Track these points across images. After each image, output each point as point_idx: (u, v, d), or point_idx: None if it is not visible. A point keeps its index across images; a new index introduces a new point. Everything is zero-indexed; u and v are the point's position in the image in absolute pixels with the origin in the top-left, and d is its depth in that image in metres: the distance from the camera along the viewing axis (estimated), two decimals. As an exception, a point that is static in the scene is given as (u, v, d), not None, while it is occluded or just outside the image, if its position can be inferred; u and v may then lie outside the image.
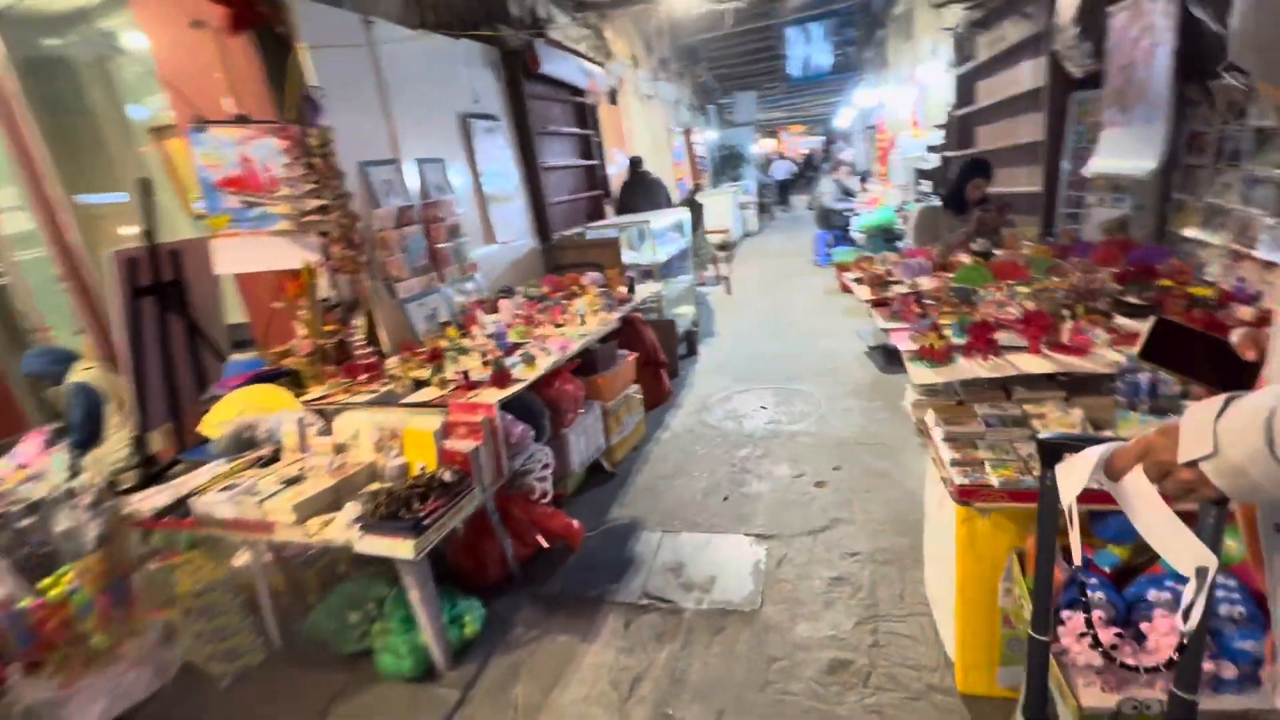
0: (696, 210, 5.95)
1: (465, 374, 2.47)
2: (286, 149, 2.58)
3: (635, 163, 5.91)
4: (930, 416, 1.81)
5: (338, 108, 2.79)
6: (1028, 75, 3.78)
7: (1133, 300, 2.12)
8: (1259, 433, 0.61)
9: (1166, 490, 0.68)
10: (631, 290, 3.71)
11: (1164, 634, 1.29)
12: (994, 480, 1.49)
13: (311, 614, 2.27)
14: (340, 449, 2.22)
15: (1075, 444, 0.81)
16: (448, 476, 1.99)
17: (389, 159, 3.19)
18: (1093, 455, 0.70)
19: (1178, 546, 0.68)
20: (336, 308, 2.86)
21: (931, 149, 6.50)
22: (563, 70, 4.90)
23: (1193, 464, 0.66)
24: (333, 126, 2.68)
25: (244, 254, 2.62)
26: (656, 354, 4.15)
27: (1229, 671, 1.23)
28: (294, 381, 2.66)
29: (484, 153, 4.00)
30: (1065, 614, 1.37)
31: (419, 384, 2.54)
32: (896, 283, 2.81)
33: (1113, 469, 0.70)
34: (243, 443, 2.29)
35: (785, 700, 1.89)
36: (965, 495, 1.49)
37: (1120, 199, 2.89)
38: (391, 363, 2.77)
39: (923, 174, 6.66)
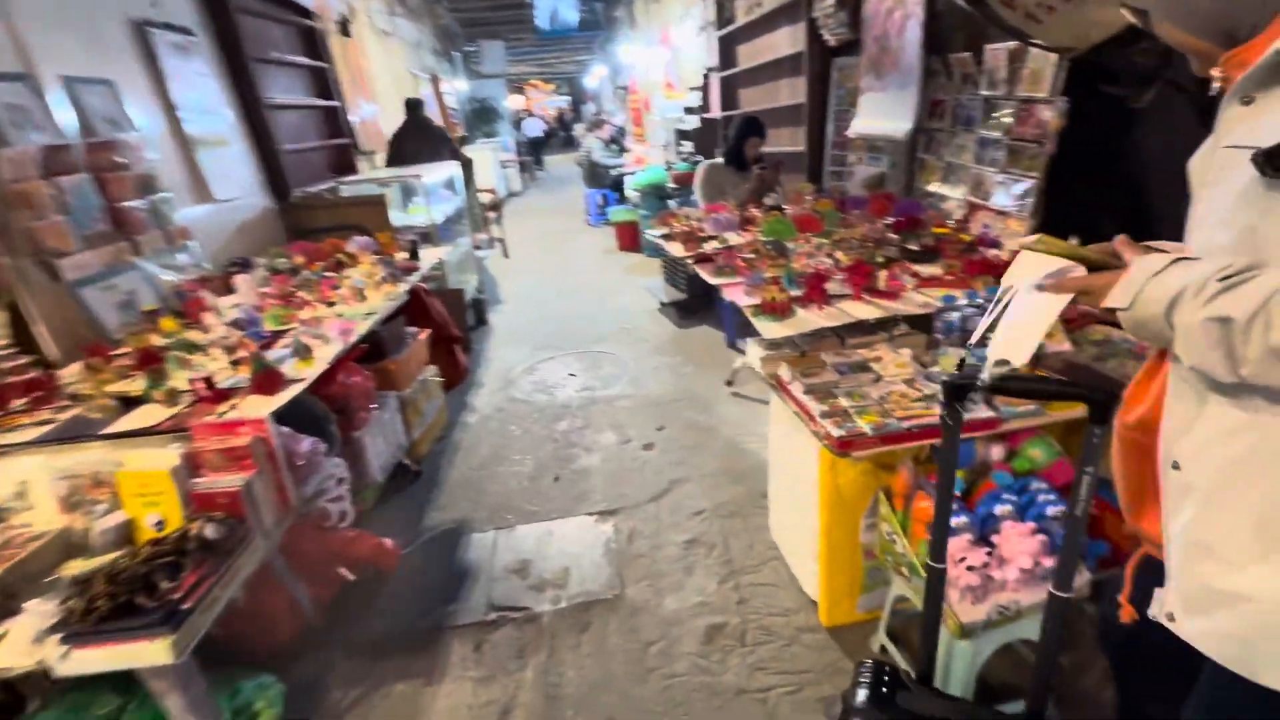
0: (467, 166, 5.36)
1: (207, 380, 1.79)
2: None
3: (413, 106, 5.06)
4: (785, 371, 1.80)
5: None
6: (787, 40, 4.06)
7: (914, 247, 2.38)
8: (1163, 303, 0.69)
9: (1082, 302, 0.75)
10: (415, 256, 3.16)
11: (1014, 543, 1.44)
12: (866, 428, 1.52)
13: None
14: (-1, 518, 1.44)
15: (973, 383, 0.79)
16: (210, 531, 1.40)
17: (15, 73, 2.14)
18: (1057, 265, 0.75)
19: (1023, 338, 0.73)
20: (-52, 299, 1.85)
21: (689, 110, 6.79)
22: (282, -20, 3.88)
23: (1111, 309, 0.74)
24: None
25: None
26: (449, 328, 3.65)
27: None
28: (-120, 421, 1.66)
29: (179, 79, 2.97)
30: (940, 543, 1.45)
31: (130, 402, 1.78)
32: (710, 238, 2.79)
33: (1059, 283, 0.75)
34: None
35: (672, 684, 1.78)
36: (844, 446, 1.49)
37: (877, 158, 3.28)
38: (70, 375, 1.91)
39: (683, 134, 6.96)
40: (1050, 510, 1.46)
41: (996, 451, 1.61)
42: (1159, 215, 1.94)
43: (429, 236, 4.00)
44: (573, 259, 6.64)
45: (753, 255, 2.36)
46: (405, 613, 2.10)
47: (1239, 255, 0.64)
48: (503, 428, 3.25)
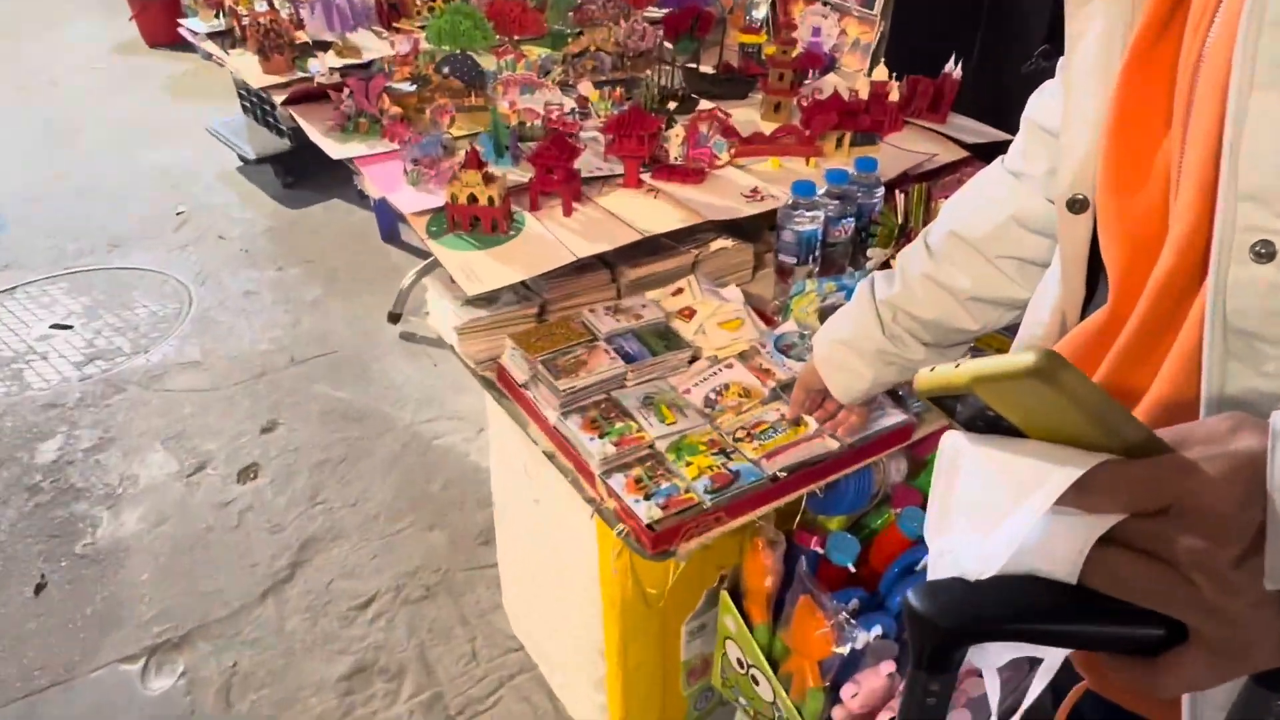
0: None
1: None
2: None
3: None
4: (513, 360, 1.30)
5: None
6: None
7: (707, 69, 2.00)
8: None
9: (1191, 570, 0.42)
10: None
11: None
12: (698, 489, 1.13)
13: None
14: None
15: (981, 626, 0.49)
16: None
17: None
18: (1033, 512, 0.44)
19: (993, 535, 0.49)
20: None
21: None
22: None
23: None
24: None
25: None
26: None
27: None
28: None
29: None
30: (846, 689, 1.17)
31: None
32: (317, 47, 2.07)
33: (1084, 500, 0.44)
34: None
35: None
36: (664, 542, 1.08)
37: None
38: None
39: None
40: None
41: (897, 469, 1.38)
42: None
43: None
44: (52, 66, 5.10)
45: (412, 87, 1.79)
46: None
47: None
48: (-107, 479, 2.22)
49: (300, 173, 3.69)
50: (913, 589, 0.46)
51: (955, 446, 0.49)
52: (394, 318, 2.85)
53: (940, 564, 0.50)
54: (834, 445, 1.18)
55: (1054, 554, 0.43)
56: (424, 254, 3.10)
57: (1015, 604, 0.45)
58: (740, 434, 1.20)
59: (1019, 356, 0.40)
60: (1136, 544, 0.41)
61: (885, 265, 1.47)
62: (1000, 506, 0.45)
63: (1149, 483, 0.40)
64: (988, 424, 0.46)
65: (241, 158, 3.77)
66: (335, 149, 1.67)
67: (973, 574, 0.46)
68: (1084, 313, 0.68)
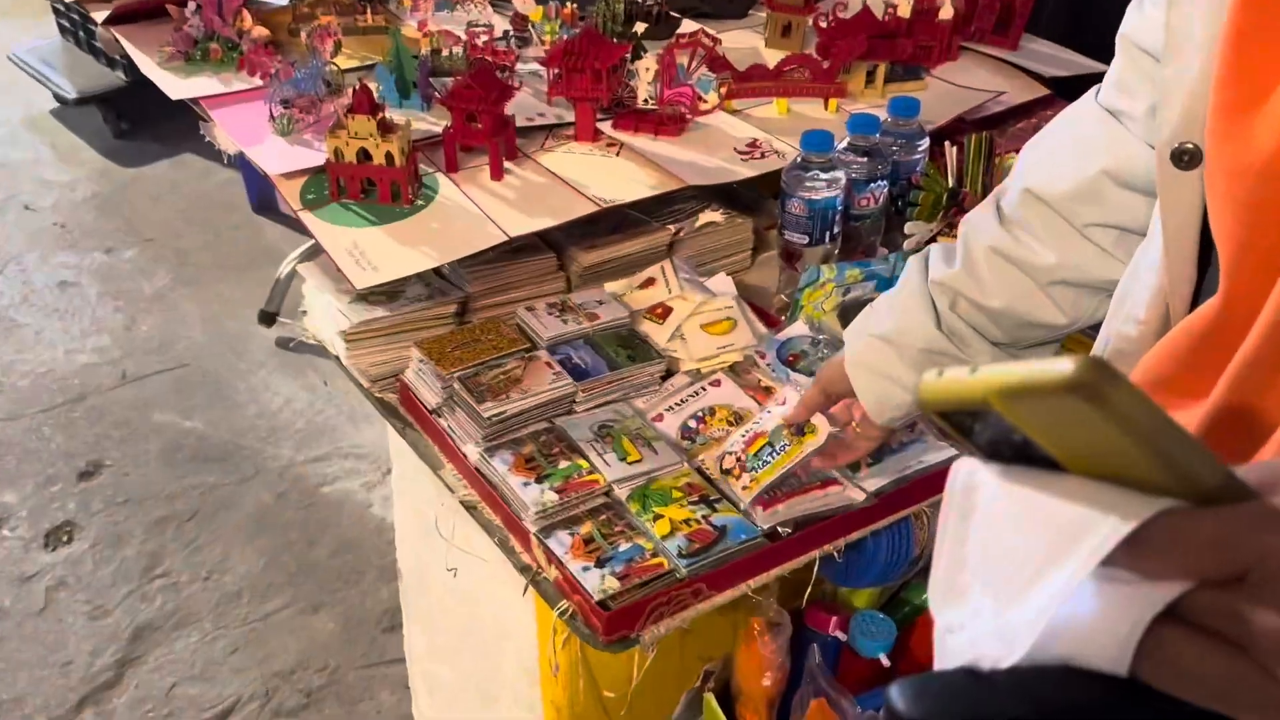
0: None
1: None
2: None
3: None
4: (426, 381, 1.34)
5: None
6: None
7: None
8: None
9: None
10: None
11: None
12: (670, 552, 1.15)
13: None
14: None
15: None
16: None
17: None
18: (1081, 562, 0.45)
19: (1019, 608, 0.49)
20: None
21: None
22: None
23: None
24: None
25: None
26: None
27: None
28: None
29: None
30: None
31: None
32: None
33: (1140, 561, 0.45)
34: None
35: None
36: (621, 626, 1.11)
37: None
38: None
39: None
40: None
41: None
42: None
43: None
44: None
45: (284, 1, 1.89)
46: None
47: None
48: None
49: (139, 117, 3.76)
50: (897, 683, 0.45)
51: (970, 481, 0.48)
52: (268, 318, 2.89)
53: (949, 645, 0.50)
54: (858, 494, 1.21)
55: (1098, 634, 0.42)
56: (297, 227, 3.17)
57: (1040, 704, 0.45)
58: (728, 462, 1.22)
59: (1053, 364, 0.39)
60: (1204, 622, 0.41)
61: (931, 243, 1.52)
62: (1028, 566, 0.44)
63: (1221, 538, 0.39)
64: (1015, 452, 0.45)
65: (58, 97, 3.82)
66: (175, 85, 1.71)
67: (989, 659, 0.46)
68: (1194, 305, 0.69)
